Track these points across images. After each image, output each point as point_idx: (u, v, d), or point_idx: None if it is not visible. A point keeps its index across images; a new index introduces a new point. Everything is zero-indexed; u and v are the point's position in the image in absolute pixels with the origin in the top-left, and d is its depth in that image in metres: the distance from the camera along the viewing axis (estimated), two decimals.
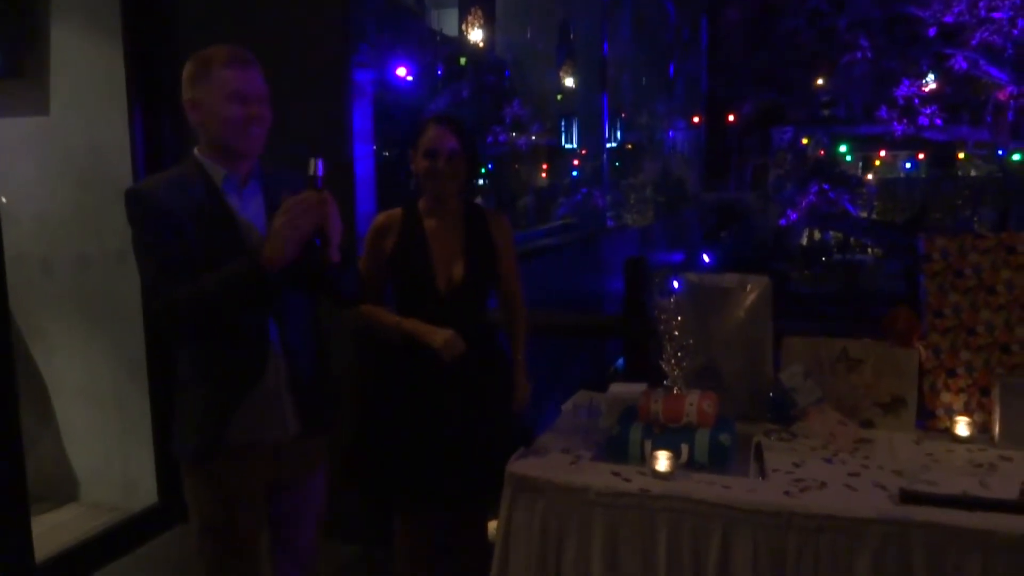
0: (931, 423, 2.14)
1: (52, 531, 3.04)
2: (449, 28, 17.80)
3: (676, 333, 1.99)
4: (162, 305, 1.70)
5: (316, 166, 1.68)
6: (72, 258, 3.25)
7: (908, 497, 1.67)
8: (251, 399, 1.78)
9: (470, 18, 16.86)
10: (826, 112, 19.82)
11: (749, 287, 2.26)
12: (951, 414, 2.11)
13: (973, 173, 23.09)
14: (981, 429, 2.07)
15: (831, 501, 1.69)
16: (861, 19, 15.61)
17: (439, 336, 2.12)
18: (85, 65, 3.09)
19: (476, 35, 16.99)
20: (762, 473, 1.85)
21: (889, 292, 14.98)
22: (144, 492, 3.23)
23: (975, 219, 18.73)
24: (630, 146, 21.26)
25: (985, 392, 2.10)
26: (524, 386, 2.36)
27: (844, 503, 1.68)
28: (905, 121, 15.97)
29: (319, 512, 2.00)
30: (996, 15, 13.59)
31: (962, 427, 2.05)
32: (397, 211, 2.27)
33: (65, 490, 3.38)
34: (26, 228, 3.19)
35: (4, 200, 3.21)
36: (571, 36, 17.31)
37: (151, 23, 2.98)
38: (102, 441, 3.33)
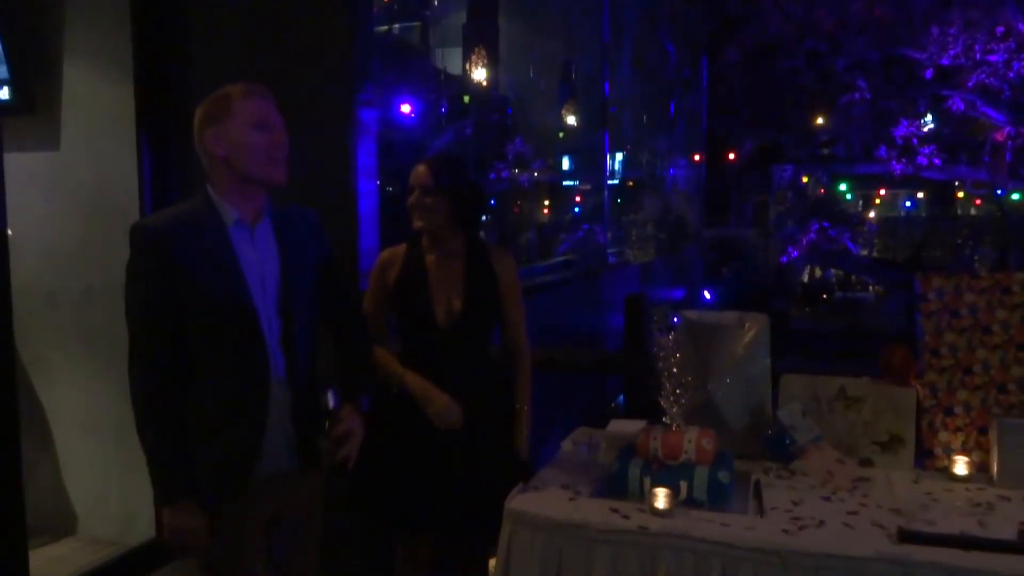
0: (929, 462, 2.14)
1: (50, 564, 3.03)
2: (453, 67, 18.05)
3: (675, 370, 2.00)
4: (132, 383, 1.79)
5: (330, 399, 1.78)
6: (76, 290, 3.27)
7: (906, 536, 1.68)
8: (257, 429, 1.80)
9: (474, 57, 17.10)
10: (825, 151, 20.00)
11: (747, 325, 2.29)
12: (949, 453, 2.11)
13: (973, 212, 23.22)
14: (979, 468, 2.08)
15: (829, 540, 1.69)
16: (858, 60, 15.83)
17: (436, 404, 2.16)
18: (96, 101, 3.14)
19: (479, 74, 17.22)
20: (760, 511, 1.85)
21: (890, 330, 14.97)
22: (143, 526, 3.21)
23: (975, 258, 18.79)
24: (631, 183, 21.41)
25: (983, 431, 2.11)
26: (524, 436, 2.32)
27: (842, 542, 1.68)
28: (904, 160, 16.10)
29: (317, 545, 2.00)
30: (992, 58, 13.78)
31: (960, 466, 2.05)
32: (401, 247, 2.32)
33: (63, 523, 3.36)
34: (32, 260, 3.22)
35: (11, 232, 3.24)
36: (573, 76, 17.55)
37: (162, 61, 3.04)
38: (101, 474, 3.32)
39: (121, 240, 3.13)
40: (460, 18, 17.97)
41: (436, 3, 18.14)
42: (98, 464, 3.32)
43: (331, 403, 1.77)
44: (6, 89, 3.01)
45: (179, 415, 1.77)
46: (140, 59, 3.02)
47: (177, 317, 1.74)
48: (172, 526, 1.76)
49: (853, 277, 21.39)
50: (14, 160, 2.58)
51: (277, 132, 1.80)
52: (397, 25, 16.74)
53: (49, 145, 3.21)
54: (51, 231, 3.26)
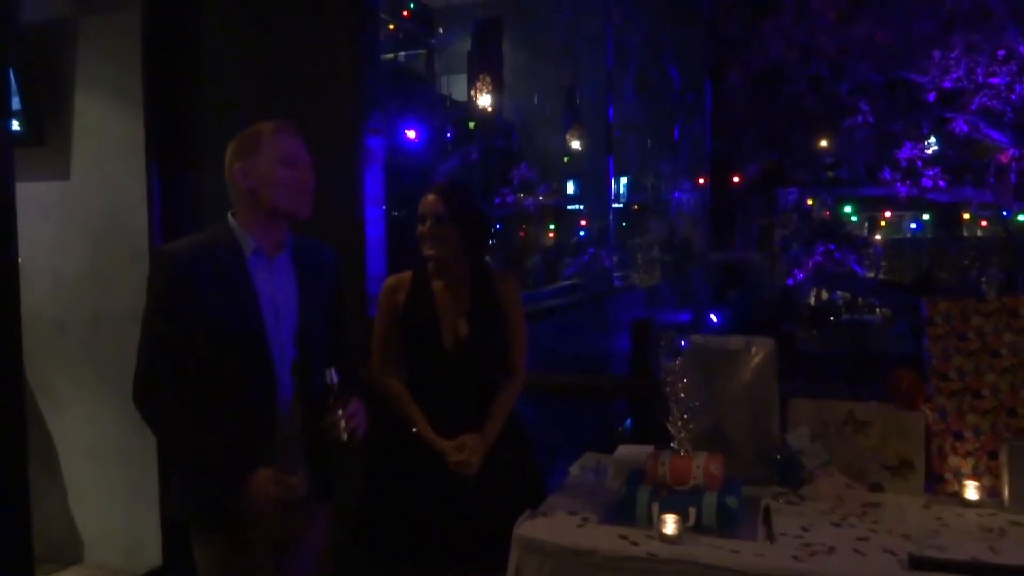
0: (940, 487, 2.13)
1: None
2: (458, 93, 18.21)
3: (682, 395, 2.00)
4: (145, 406, 1.78)
5: (331, 376, 1.80)
6: (85, 318, 3.29)
7: (917, 562, 1.66)
8: (265, 458, 1.80)
9: (479, 84, 17.26)
10: (830, 174, 20.03)
11: (754, 349, 2.28)
12: (960, 478, 2.10)
13: (979, 233, 23.18)
14: (990, 493, 2.06)
15: (840, 566, 1.68)
16: (861, 84, 15.91)
17: (453, 457, 2.15)
18: (106, 132, 3.19)
19: (484, 100, 17.37)
20: (770, 537, 1.84)
21: (898, 353, 14.89)
22: (150, 554, 3.20)
23: (983, 279, 18.73)
24: (636, 207, 21.47)
25: (993, 455, 2.10)
26: (480, 445, 2.18)
27: (853, 568, 1.67)
28: (908, 183, 16.12)
29: (322, 571, 2.00)
30: (994, 80, 13.84)
31: (971, 491, 2.04)
32: (406, 274, 2.33)
33: (69, 552, 3.36)
34: (42, 289, 3.25)
35: (21, 261, 3.27)
36: (577, 101, 17.68)
37: (171, 93, 3.09)
38: (108, 501, 3.32)
39: (130, 268, 3.17)
40: (465, 45, 18.16)
41: (441, 31, 18.36)
42: (105, 492, 3.32)
43: (333, 379, 1.80)
44: (18, 121, 3.05)
45: (200, 425, 1.78)
46: (149, 90, 3.07)
47: (188, 340, 1.76)
48: (269, 490, 1.73)
49: (860, 299, 21.32)
50: (25, 190, 2.62)
51: (304, 168, 1.86)
52: (403, 53, 16.94)
53: (60, 175, 3.26)
54: (61, 259, 3.29)
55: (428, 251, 2.26)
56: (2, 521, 2.38)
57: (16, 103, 3.02)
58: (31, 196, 3.28)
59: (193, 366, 1.77)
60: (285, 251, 1.90)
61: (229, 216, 1.87)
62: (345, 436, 1.80)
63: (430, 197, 2.26)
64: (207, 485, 1.77)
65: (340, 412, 1.79)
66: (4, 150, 2.42)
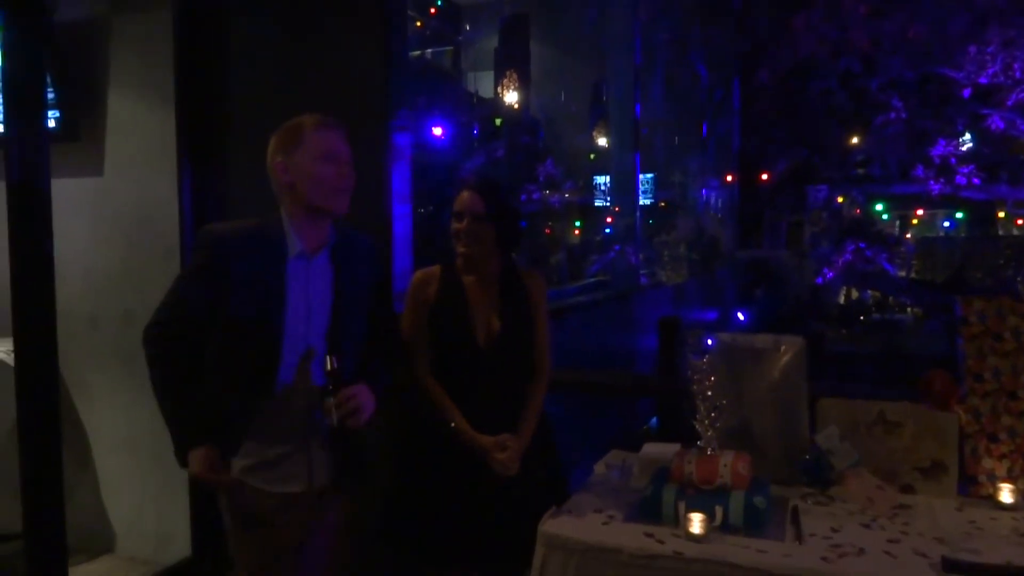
0: (973, 489, 2.09)
1: None
2: (485, 90, 18.25)
3: (709, 393, 1.98)
4: (149, 342, 1.82)
5: (331, 362, 1.82)
6: (117, 313, 3.34)
7: (950, 566, 1.63)
8: (292, 448, 1.83)
9: (505, 80, 17.28)
10: (861, 171, 19.76)
11: (783, 348, 2.26)
12: (994, 480, 2.06)
13: (1015, 232, 22.73)
14: None
15: (870, 568, 1.66)
16: (893, 80, 15.67)
17: (498, 455, 2.15)
18: (139, 129, 3.23)
19: (511, 97, 17.39)
20: (799, 538, 1.82)
21: (930, 353, 14.66)
22: (179, 545, 3.24)
23: (1018, 279, 18.37)
24: (663, 204, 21.36)
25: None
26: (517, 450, 2.19)
27: (884, 571, 1.65)
28: (942, 180, 15.85)
29: (343, 562, 2.01)
30: None
31: (1006, 494, 2.00)
32: (435, 268, 2.33)
33: (101, 542, 3.41)
34: (76, 285, 3.30)
35: (56, 257, 3.33)
36: (604, 98, 17.63)
37: (203, 90, 3.12)
38: (139, 493, 3.37)
39: (161, 265, 3.21)
40: (492, 42, 18.19)
41: (468, 28, 18.40)
42: (136, 484, 3.37)
43: (333, 365, 1.81)
44: (53, 118, 3.10)
45: (192, 382, 1.82)
46: (182, 88, 3.10)
47: (209, 313, 1.80)
48: (197, 469, 1.81)
49: (891, 299, 21.00)
50: (59, 186, 2.66)
51: (343, 164, 1.86)
52: (430, 50, 17.01)
53: (93, 172, 3.30)
54: (94, 255, 3.34)
55: (463, 248, 2.23)
56: (37, 512, 2.43)
57: (51, 100, 3.07)
58: (65, 192, 3.33)
59: (204, 333, 1.81)
60: (325, 249, 1.90)
61: (281, 210, 1.88)
62: (335, 422, 1.81)
63: (466, 194, 2.23)
64: (172, 433, 1.84)
65: (331, 399, 1.80)
66: (40, 146, 2.46)
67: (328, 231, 1.90)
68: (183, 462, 1.83)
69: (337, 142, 1.86)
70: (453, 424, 2.19)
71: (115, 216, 3.31)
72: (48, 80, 2.99)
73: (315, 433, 1.86)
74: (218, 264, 1.79)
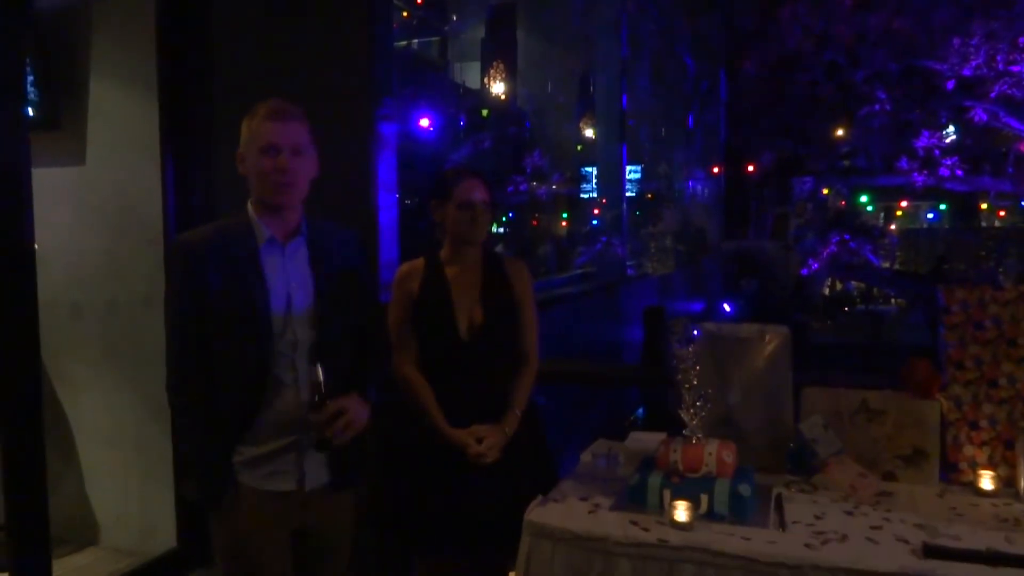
0: (954, 476, 2.11)
1: (72, 574, 3.06)
2: (472, 81, 18.17)
3: (695, 382, 2.00)
4: (172, 392, 1.84)
5: (319, 373, 1.79)
6: (100, 303, 3.32)
7: (932, 551, 1.65)
8: (283, 446, 1.82)
9: (492, 71, 17.22)
10: (846, 163, 19.86)
11: (768, 337, 2.27)
12: (975, 467, 2.08)
13: (997, 224, 22.94)
14: (1006, 483, 2.05)
15: (853, 554, 1.68)
16: (878, 72, 15.74)
17: (472, 450, 2.15)
18: (121, 117, 3.20)
19: (498, 88, 17.34)
20: (782, 525, 1.84)
21: (913, 343, 14.79)
22: (164, 536, 3.23)
23: (1000, 270, 18.55)
24: (650, 195, 21.38)
25: (1009, 445, 2.08)
26: (503, 436, 2.20)
27: (866, 556, 1.67)
28: (926, 172, 15.95)
29: (344, 564, 2.01)
30: (1014, 68, 13.64)
31: (986, 481, 2.02)
32: (419, 261, 2.33)
33: (85, 533, 3.39)
34: (57, 274, 3.27)
35: (37, 246, 3.30)
36: (591, 89, 17.60)
37: (186, 78, 3.09)
38: (123, 484, 3.36)
39: (145, 254, 3.18)
40: (479, 33, 18.10)
41: (455, 18, 18.30)
42: (120, 474, 3.35)
43: (320, 376, 1.78)
44: (33, 106, 3.07)
45: (210, 419, 1.81)
46: (164, 76, 3.07)
47: (201, 325, 1.79)
48: (223, 533, 1.82)
49: (875, 290, 21.18)
50: (41, 175, 2.63)
51: (282, 158, 1.79)
52: (416, 40, 16.90)
53: (75, 160, 3.27)
54: (76, 245, 3.31)
55: (474, 237, 2.25)
56: (20, 503, 2.41)
57: (31, 89, 3.03)
58: (46, 181, 3.29)
59: (216, 354, 1.80)
60: (300, 237, 1.88)
61: (248, 204, 1.87)
62: (319, 440, 1.79)
63: (475, 182, 2.25)
64: (198, 478, 1.84)
65: (318, 414, 1.77)
66: (20, 135, 2.43)
67: (298, 221, 1.87)
68: (211, 505, 1.83)
69: (277, 134, 1.78)
70: (427, 421, 2.20)
71: (98, 205, 3.28)
72: (28, 68, 2.95)
73: (307, 432, 1.84)
74: (194, 273, 1.78)
